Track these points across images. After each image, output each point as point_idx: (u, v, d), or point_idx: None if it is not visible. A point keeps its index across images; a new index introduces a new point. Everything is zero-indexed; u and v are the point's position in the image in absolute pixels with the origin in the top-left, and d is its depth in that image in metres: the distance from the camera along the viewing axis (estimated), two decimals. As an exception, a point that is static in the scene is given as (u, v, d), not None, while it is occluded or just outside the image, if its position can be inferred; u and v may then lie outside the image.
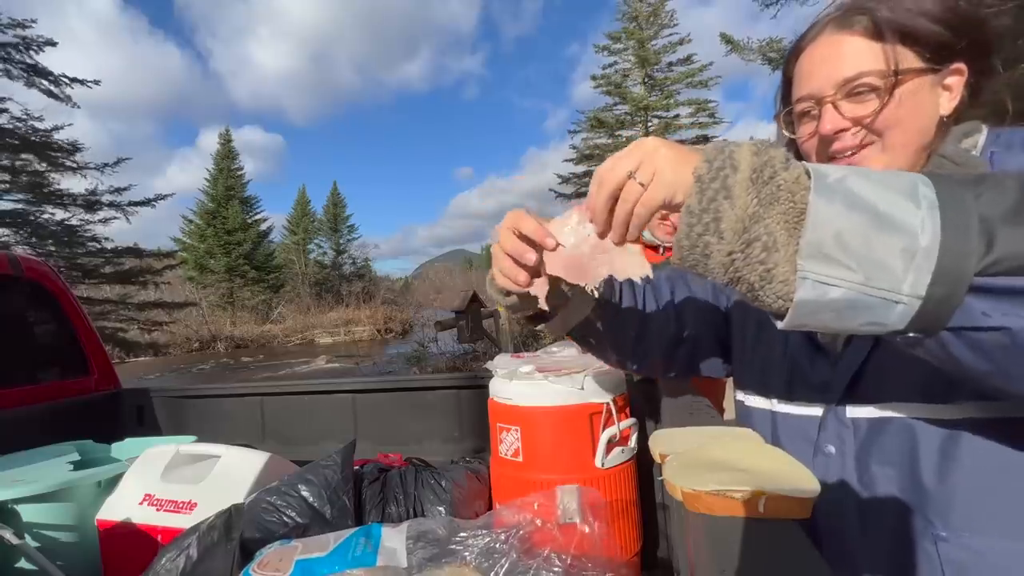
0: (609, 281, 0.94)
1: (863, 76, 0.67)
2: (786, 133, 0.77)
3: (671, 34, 19.19)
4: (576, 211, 0.67)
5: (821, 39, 0.72)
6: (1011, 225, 0.42)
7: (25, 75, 13.16)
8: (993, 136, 0.68)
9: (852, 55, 0.68)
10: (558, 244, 0.67)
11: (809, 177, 0.47)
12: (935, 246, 0.43)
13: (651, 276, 0.64)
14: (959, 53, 0.66)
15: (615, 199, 0.58)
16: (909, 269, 0.43)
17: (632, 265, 0.63)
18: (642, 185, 0.55)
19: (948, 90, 0.69)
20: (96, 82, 13.96)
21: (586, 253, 0.65)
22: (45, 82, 13.41)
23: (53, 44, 13.32)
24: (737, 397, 0.91)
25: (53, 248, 14.02)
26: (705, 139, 18.52)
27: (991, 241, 0.42)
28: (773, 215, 0.47)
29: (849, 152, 0.70)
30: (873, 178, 0.46)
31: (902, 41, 0.67)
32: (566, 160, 20.01)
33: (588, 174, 19.49)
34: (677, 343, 0.95)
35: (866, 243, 0.44)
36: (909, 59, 0.67)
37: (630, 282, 0.95)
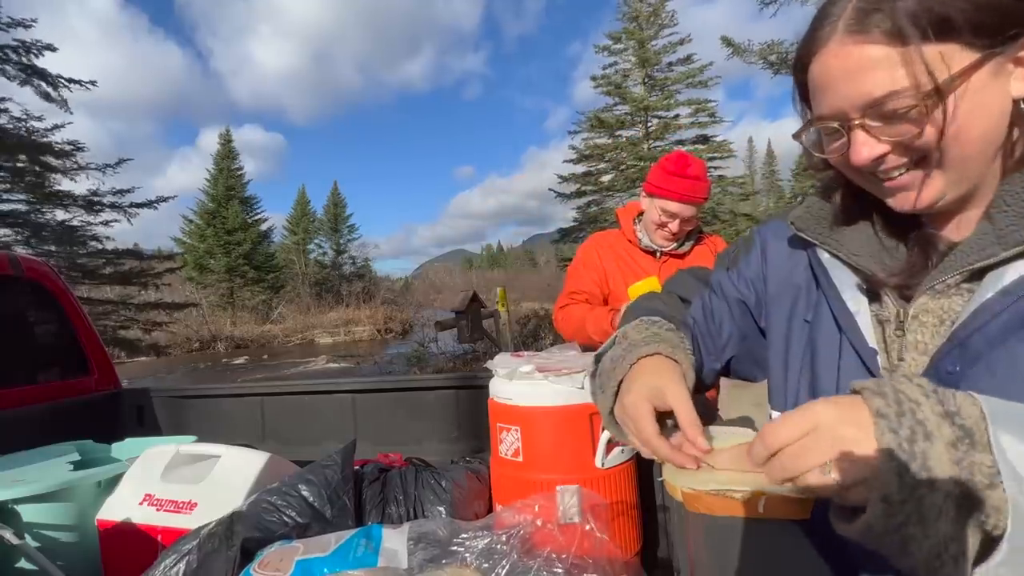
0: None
1: (893, 98, 0.52)
2: (816, 154, 0.63)
3: (671, 34, 19.15)
4: (744, 455, 0.58)
5: (832, 46, 0.55)
6: None
7: (23, 75, 13.16)
8: None
9: (874, 70, 0.52)
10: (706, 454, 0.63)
11: None
12: None
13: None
14: None
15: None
16: None
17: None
18: (833, 478, 0.46)
19: (1022, 65, 0.52)
20: (93, 83, 13.93)
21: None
22: (43, 83, 13.40)
23: (53, 49, 13.32)
24: (773, 416, 0.85)
25: (54, 248, 14.02)
26: (705, 139, 18.50)
27: None
28: (969, 530, 0.42)
29: (896, 173, 0.57)
30: None
31: (941, 35, 0.50)
32: (566, 161, 19.99)
33: (588, 174, 19.49)
34: (722, 372, 0.88)
35: None
36: (955, 57, 0.50)
37: (698, 351, 0.84)
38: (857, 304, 0.63)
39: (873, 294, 0.63)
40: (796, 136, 0.65)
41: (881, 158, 0.56)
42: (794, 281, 0.73)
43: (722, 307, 0.82)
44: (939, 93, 0.50)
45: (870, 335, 0.61)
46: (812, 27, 0.58)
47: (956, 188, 0.56)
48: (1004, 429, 0.41)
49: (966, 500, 0.41)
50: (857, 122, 0.55)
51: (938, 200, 0.57)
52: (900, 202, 0.59)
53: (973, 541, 0.42)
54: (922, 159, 0.55)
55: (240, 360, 21.92)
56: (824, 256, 0.67)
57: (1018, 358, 0.50)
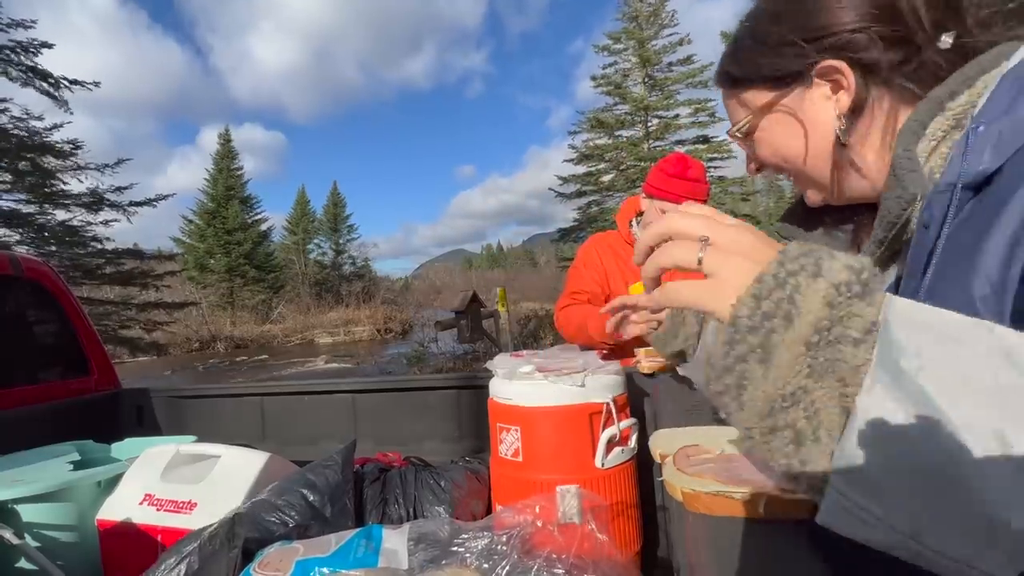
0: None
1: (733, 129, 0.68)
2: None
3: (671, 34, 19.18)
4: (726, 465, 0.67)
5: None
6: None
7: (24, 76, 13.16)
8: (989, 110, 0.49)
9: (727, 109, 0.70)
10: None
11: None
12: None
13: None
14: (826, 54, 0.58)
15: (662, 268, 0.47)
16: (993, 548, 0.30)
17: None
18: (699, 266, 0.42)
19: (837, 87, 0.59)
20: (96, 84, 13.93)
21: (736, 464, 0.65)
22: (45, 84, 13.40)
23: (50, 46, 13.31)
24: None
25: (54, 248, 14.01)
26: (705, 139, 18.50)
27: None
28: (819, 393, 0.35)
29: (784, 178, 0.71)
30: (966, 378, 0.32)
31: (741, 85, 0.66)
32: (566, 161, 19.98)
33: (588, 174, 19.49)
34: None
35: (930, 492, 0.31)
36: (758, 97, 0.64)
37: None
38: None
39: None
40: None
41: (759, 170, 0.71)
42: None
43: None
44: (746, 126, 0.66)
45: None
46: None
47: (825, 191, 0.66)
48: (905, 316, 0.34)
49: (826, 352, 0.35)
50: (739, 143, 0.71)
51: (821, 200, 0.68)
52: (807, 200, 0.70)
53: (828, 410, 0.35)
54: (788, 173, 0.68)
55: (236, 360, 21.90)
56: None
57: None
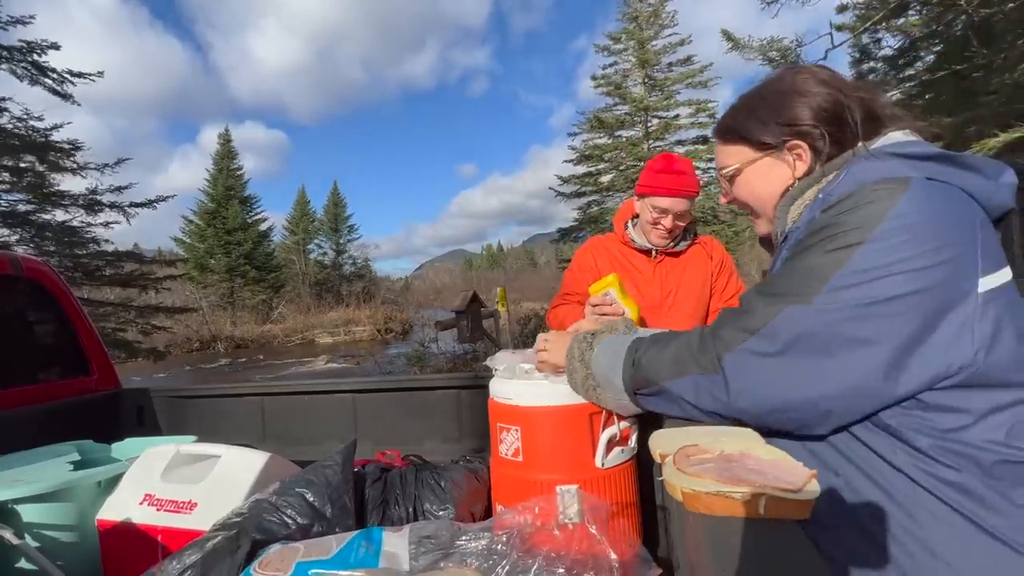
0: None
1: (720, 170, 0.99)
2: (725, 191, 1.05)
3: (671, 35, 19.15)
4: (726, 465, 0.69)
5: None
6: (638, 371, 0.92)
7: (29, 73, 13.09)
8: (826, 190, 0.82)
9: (717, 153, 1.00)
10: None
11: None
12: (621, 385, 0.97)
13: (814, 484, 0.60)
14: (793, 136, 0.87)
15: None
16: (610, 391, 1.01)
17: (788, 472, 0.61)
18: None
19: (799, 159, 0.88)
20: (100, 74, 13.79)
21: (736, 464, 0.67)
22: (49, 80, 13.33)
23: (56, 47, 13.23)
24: None
25: (54, 248, 13.97)
26: (705, 139, 18.48)
27: (633, 377, 0.94)
28: (584, 367, 1.07)
29: (746, 212, 1.01)
30: (605, 356, 1.02)
31: (738, 140, 0.93)
32: (566, 161, 19.95)
33: (588, 174, 19.49)
34: None
35: (606, 378, 1.00)
36: (744, 153, 0.93)
37: None
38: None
39: None
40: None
41: (732, 202, 1.02)
42: None
43: None
44: (732, 171, 0.96)
45: None
46: None
47: (771, 224, 0.95)
48: (600, 346, 1.04)
49: (583, 364, 1.05)
50: (722, 180, 1.01)
51: (766, 231, 0.97)
52: (757, 231, 1.03)
53: (591, 379, 1.04)
54: (752, 209, 0.98)
55: (224, 361, 21.85)
56: None
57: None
